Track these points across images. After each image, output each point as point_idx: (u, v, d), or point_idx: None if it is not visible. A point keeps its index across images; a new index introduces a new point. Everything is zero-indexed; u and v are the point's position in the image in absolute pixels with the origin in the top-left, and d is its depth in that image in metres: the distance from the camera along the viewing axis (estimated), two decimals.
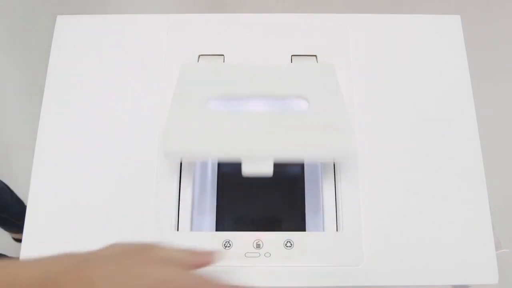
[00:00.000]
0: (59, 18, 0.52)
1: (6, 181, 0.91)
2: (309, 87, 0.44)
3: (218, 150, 0.40)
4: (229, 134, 0.40)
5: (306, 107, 0.42)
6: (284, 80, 0.45)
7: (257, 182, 0.54)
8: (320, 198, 0.47)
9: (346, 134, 0.41)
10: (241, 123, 0.41)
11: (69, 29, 0.52)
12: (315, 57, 0.50)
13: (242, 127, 0.40)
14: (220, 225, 0.53)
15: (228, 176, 0.54)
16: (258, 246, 0.43)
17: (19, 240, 1.07)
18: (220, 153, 0.40)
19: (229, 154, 0.40)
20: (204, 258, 0.32)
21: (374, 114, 0.48)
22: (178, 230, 0.44)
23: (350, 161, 0.46)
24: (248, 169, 0.39)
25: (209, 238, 0.43)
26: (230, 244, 0.43)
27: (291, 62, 0.49)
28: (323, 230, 0.44)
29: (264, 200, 0.53)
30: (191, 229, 0.45)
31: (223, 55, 0.50)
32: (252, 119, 0.41)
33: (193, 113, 0.41)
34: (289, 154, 0.40)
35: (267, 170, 0.39)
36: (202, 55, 0.50)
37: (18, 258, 0.43)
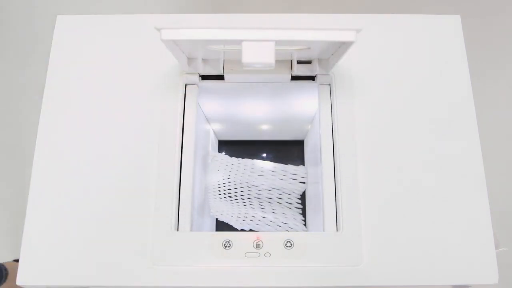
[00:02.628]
0: (59, 18, 0.52)
1: (6, 181, 0.91)
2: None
3: (219, 31, 0.38)
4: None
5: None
6: None
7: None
8: (320, 198, 0.47)
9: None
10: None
11: (69, 29, 0.52)
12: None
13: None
14: (220, 225, 0.53)
15: None
16: (258, 246, 0.43)
17: None
18: (221, 34, 0.38)
19: (230, 36, 0.38)
20: None
21: (374, 114, 0.48)
22: (178, 230, 0.44)
23: (351, 161, 0.46)
24: (249, 57, 0.37)
25: (209, 238, 0.43)
26: (230, 244, 0.43)
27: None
28: (323, 230, 0.44)
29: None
30: (191, 229, 0.45)
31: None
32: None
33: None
34: (291, 35, 0.38)
35: (268, 59, 0.37)
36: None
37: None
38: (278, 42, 0.38)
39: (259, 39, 0.38)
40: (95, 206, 0.45)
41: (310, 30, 0.38)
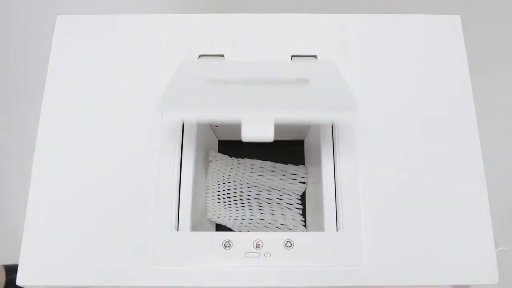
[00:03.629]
0: (59, 18, 0.52)
1: (4, 182, 0.91)
2: (310, 71, 0.43)
3: (218, 111, 0.38)
4: (229, 97, 0.39)
5: (307, 83, 0.41)
6: (286, 67, 0.45)
7: None
8: (320, 198, 0.47)
9: (347, 96, 0.39)
10: (242, 88, 0.39)
11: (69, 29, 0.52)
12: (315, 57, 0.50)
13: (242, 92, 0.39)
14: (220, 225, 0.53)
15: None
16: (258, 246, 0.43)
17: None
18: (220, 114, 0.38)
19: (229, 115, 0.38)
20: None
21: (374, 114, 0.48)
22: (178, 230, 0.44)
23: (351, 161, 0.46)
24: (248, 133, 0.37)
25: (209, 238, 0.43)
26: (230, 244, 0.43)
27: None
28: (323, 230, 0.44)
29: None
30: (191, 229, 0.45)
31: (223, 55, 0.50)
32: (253, 85, 0.40)
33: (193, 83, 0.40)
34: (290, 114, 0.38)
35: (267, 133, 0.37)
36: (202, 55, 0.50)
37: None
38: (277, 120, 0.37)
39: (259, 119, 0.37)
40: (95, 206, 0.45)
41: (311, 110, 0.38)
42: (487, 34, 1.20)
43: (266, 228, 0.51)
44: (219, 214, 0.52)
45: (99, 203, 0.45)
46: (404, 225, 0.44)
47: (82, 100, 0.49)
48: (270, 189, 0.53)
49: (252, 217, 0.51)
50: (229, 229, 0.52)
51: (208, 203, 0.53)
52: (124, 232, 0.44)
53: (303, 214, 0.53)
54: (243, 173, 0.53)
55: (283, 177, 0.52)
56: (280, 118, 0.37)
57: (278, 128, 0.55)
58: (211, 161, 0.55)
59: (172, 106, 0.38)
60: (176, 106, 0.38)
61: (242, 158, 0.54)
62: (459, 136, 0.47)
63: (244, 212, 0.52)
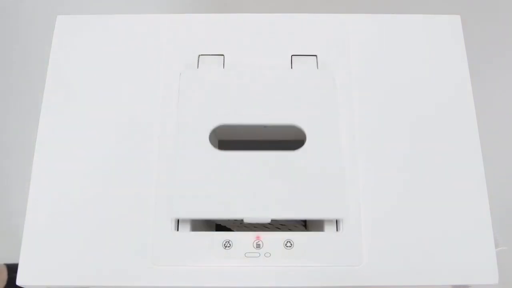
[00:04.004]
0: (59, 18, 0.52)
1: (4, 182, 0.91)
2: (308, 114, 0.46)
3: (221, 213, 0.43)
4: (230, 194, 0.43)
5: (303, 143, 0.45)
6: (283, 103, 0.47)
7: None
8: None
9: (339, 197, 0.43)
10: (241, 176, 0.44)
11: (69, 29, 0.52)
12: (315, 57, 0.50)
13: (242, 186, 0.43)
14: (220, 225, 0.53)
15: None
16: (258, 246, 0.43)
17: None
18: (223, 216, 0.44)
19: (231, 216, 0.44)
20: None
21: (374, 114, 0.48)
22: (178, 230, 0.44)
23: (351, 161, 0.46)
24: (249, 221, 0.43)
25: (209, 238, 0.43)
26: (230, 244, 0.43)
27: (291, 62, 0.49)
28: (323, 230, 0.44)
29: None
30: (191, 229, 0.45)
31: (223, 55, 0.50)
32: (251, 169, 0.44)
33: (195, 164, 0.44)
34: (286, 216, 0.44)
35: (266, 221, 0.43)
36: (202, 55, 0.50)
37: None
38: (273, 220, 0.44)
39: (257, 218, 0.43)
40: (95, 206, 0.45)
41: (302, 210, 0.43)
42: (487, 34, 1.20)
43: (266, 228, 0.51)
44: None
45: (99, 203, 0.45)
46: (404, 225, 0.44)
47: (82, 100, 0.49)
48: None
49: None
50: (229, 229, 0.52)
51: None
52: (124, 232, 0.44)
53: None
54: None
55: None
56: (276, 218, 0.44)
57: (278, 128, 0.56)
58: None
59: (180, 210, 0.43)
60: (183, 210, 0.43)
61: None
62: (459, 136, 0.47)
63: None
